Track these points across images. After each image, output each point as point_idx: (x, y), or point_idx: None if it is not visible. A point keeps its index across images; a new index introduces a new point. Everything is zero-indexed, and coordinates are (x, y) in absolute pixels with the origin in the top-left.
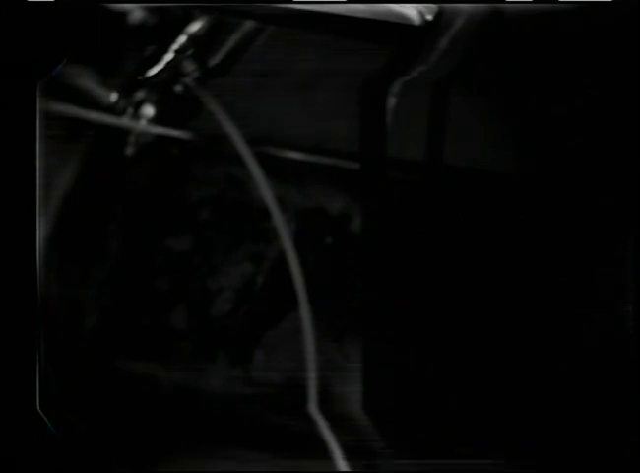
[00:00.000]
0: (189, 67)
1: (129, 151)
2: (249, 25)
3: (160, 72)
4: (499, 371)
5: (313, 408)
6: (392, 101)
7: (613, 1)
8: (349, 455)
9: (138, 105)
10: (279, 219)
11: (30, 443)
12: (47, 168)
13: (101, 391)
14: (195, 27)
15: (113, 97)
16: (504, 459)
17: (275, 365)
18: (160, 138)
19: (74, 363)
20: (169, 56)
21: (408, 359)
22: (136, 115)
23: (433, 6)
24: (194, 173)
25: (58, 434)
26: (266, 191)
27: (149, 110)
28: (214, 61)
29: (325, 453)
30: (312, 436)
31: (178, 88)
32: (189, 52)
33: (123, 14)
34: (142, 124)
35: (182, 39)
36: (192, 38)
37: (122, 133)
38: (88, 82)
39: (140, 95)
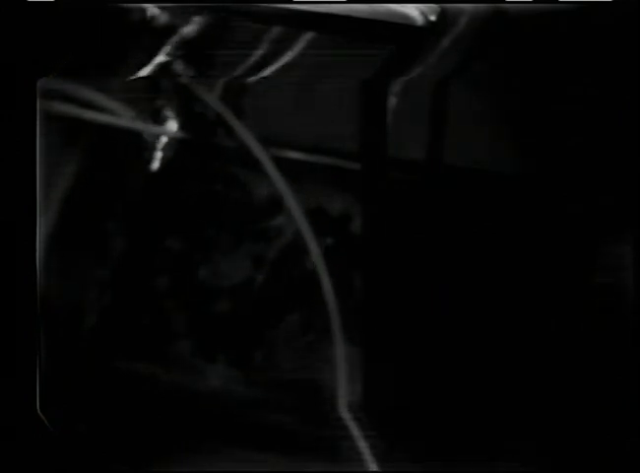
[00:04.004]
0: (179, 67)
1: (130, 151)
2: (242, 25)
3: (152, 72)
4: (500, 372)
5: (343, 409)
6: (392, 101)
7: (613, 1)
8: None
9: (140, 106)
10: (301, 220)
11: (30, 443)
12: (47, 168)
13: (101, 391)
14: (189, 28)
15: (111, 98)
16: (504, 459)
17: (275, 365)
18: (162, 138)
19: (74, 363)
20: (161, 57)
21: (408, 359)
22: (137, 116)
23: (435, 6)
24: (194, 173)
25: (58, 434)
26: (285, 192)
27: (151, 111)
28: (207, 62)
29: (327, 453)
30: (313, 436)
31: (180, 89)
32: (181, 53)
33: (124, 13)
34: (144, 125)
35: (175, 40)
36: (185, 40)
37: (123, 133)
38: (85, 84)
39: (145, 96)
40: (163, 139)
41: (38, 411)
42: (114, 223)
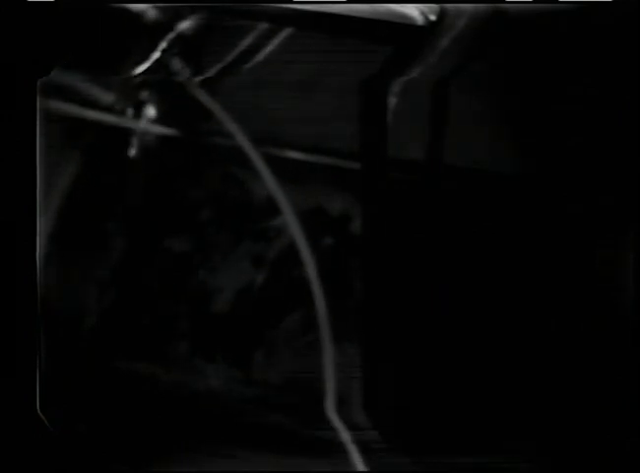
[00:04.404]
0: (177, 66)
1: (129, 151)
2: (243, 24)
3: (146, 70)
4: (499, 371)
5: (330, 410)
6: (392, 101)
7: (613, 1)
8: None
9: (139, 105)
10: (290, 217)
11: (30, 444)
12: (47, 168)
13: (101, 391)
14: (184, 25)
15: (111, 97)
16: (504, 459)
17: (275, 365)
18: (161, 138)
19: (74, 363)
20: (157, 54)
21: (408, 359)
22: (137, 115)
23: (435, 6)
24: (194, 173)
25: (58, 434)
26: (275, 190)
27: (150, 111)
28: (206, 61)
29: (326, 453)
30: (312, 436)
31: (176, 87)
32: (176, 51)
33: (124, 13)
34: (143, 124)
35: (170, 37)
36: (180, 37)
37: (123, 133)
38: (86, 83)
39: (141, 95)
40: (162, 138)
41: (38, 411)
42: (114, 223)
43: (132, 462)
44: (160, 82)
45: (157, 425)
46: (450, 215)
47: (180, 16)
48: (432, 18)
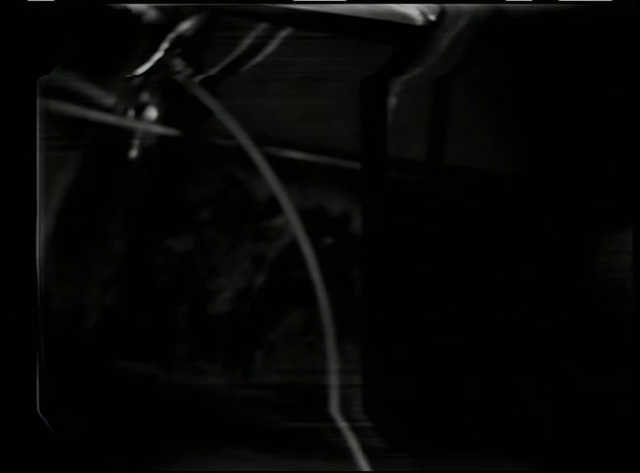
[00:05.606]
0: (179, 66)
1: (130, 151)
2: (244, 24)
3: (148, 70)
4: (500, 371)
5: (334, 410)
6: (393, 101)
7: (613, 1)
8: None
9: (139, 106)
10: (290, 217)
11: (29, 444)
12: (47, 168)
13: (101, 391)
14: (185, 25)
15: (112, 97)
16: (504, 459)
17: (275, 365)
18: (161, 138)
19: (74, 363)
20: (159, 54)
21: (408, 358)
22: (137, 116)
23: (435, 6)
24: (194, 173)
25: (58, 434)
26: (275, 190)
27: (151, 111)
28: (207, 61)
29: (326, 453)
30: (312, 436)
31: (177, 88)
32: (178, 51)
33: (124, 13)
34: (144, 124)
35: (171, 37)
36: (182, 37)
37: (123, 133)
38: (86, 83)
39: (142, 95)
40: (162, 138)
41: (38, 411)
42: (114, 223)
43: (132, 462)
44: (160, 82)
45: (157, 425)
46: (450, 215)
47: (181, 16)
48: (432, 18)
